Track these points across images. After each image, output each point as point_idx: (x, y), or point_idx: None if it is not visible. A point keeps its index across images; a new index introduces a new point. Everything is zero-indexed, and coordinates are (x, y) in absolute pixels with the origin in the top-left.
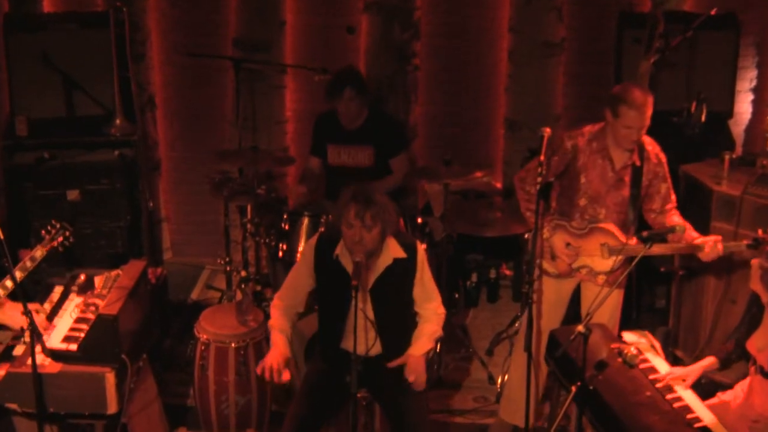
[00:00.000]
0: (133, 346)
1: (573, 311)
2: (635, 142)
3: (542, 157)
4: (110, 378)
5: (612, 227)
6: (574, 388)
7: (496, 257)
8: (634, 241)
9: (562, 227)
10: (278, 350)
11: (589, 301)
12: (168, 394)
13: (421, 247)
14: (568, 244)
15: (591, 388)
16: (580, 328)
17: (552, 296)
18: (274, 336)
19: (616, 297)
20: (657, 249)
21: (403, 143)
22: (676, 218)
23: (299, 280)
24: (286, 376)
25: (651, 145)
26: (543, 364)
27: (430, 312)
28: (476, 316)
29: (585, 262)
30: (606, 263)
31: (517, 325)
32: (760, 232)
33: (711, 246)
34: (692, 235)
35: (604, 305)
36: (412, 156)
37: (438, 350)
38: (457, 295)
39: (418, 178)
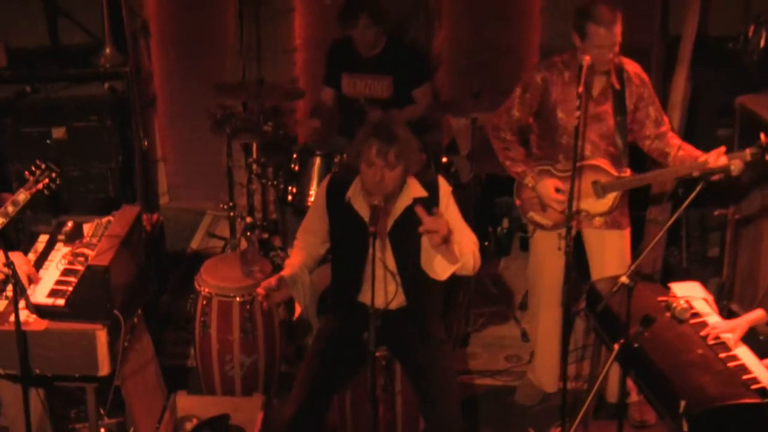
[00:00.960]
0: (126, 301)
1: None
2: (609, 62)
3: (581, 88)
4: (101, 336)
5: (601, 162)
6: (616, 346)
7: None
8: (627, 173)
9: (547, 172)
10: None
11: (594, 247)
12: (166, 355)
13: (445, 183)
14: (558, 190)
15: (636, 345)
16: (624, 279)
17: (550, 250)
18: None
19: (620, 240)
20: (658, 176)
21: (426, 73)
22: (674, 140)
23: (313, 226)
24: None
25: (630, 65)
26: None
27: (466, 241)
28: (508, 267)
29: (579, 206)
30: (602, 203)
31: None
32: (762, 136)
33: (715, 159)
34: (694, 153)
35: (610, 251)
36: (436, 88)
37: (465, 304)
38: (486, 243)
39: (442, 113)
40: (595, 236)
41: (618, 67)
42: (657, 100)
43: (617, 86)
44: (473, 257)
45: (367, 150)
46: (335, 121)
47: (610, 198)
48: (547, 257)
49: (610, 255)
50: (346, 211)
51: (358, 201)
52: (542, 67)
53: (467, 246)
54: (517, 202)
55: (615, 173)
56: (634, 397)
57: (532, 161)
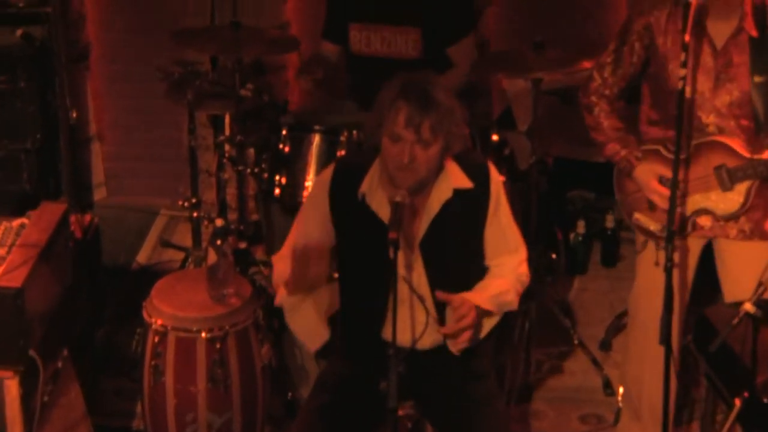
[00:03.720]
0: (47, 337)
1: (699, 282)
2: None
3: (687, 37)
4: (12, 387)
5: (729, 140)
6: (738, 402)
7: (614, 195)
8: (766, 155)
9: (654, 153)
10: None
11: (728, 265)
12: (103, 412)
13: (496, 172)
14: (661, 178)
15: (765, 400)
16: (748, 306)
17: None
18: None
19: (765, 256)
20: None
21: (467, 22)
22: None
23: (309, 233)
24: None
25: None
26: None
27: (507, 269)
28: (585, 288)
29: (700, 203)
30: (730, 199)
31: None
32: None
33: None
34: None
35: (749, 270)
36: (482, 38)
37: (524, 342)
38: (554, 255)
39: (492, 72)
40: (730, 249)
41: (758, 7)
42: None
43: (754, 33)
44: (513, 291)
45: (393, 117)
46: (341, 83)
47: (741, 191)
48: (655, 279)
49: (750, 276)
50: (358, 213)
51: (377, 198)
52: (645, 9)
53: (503, 284)
54: (618, 197)
55: (747, 155)
56: None
57: (634, 139)
